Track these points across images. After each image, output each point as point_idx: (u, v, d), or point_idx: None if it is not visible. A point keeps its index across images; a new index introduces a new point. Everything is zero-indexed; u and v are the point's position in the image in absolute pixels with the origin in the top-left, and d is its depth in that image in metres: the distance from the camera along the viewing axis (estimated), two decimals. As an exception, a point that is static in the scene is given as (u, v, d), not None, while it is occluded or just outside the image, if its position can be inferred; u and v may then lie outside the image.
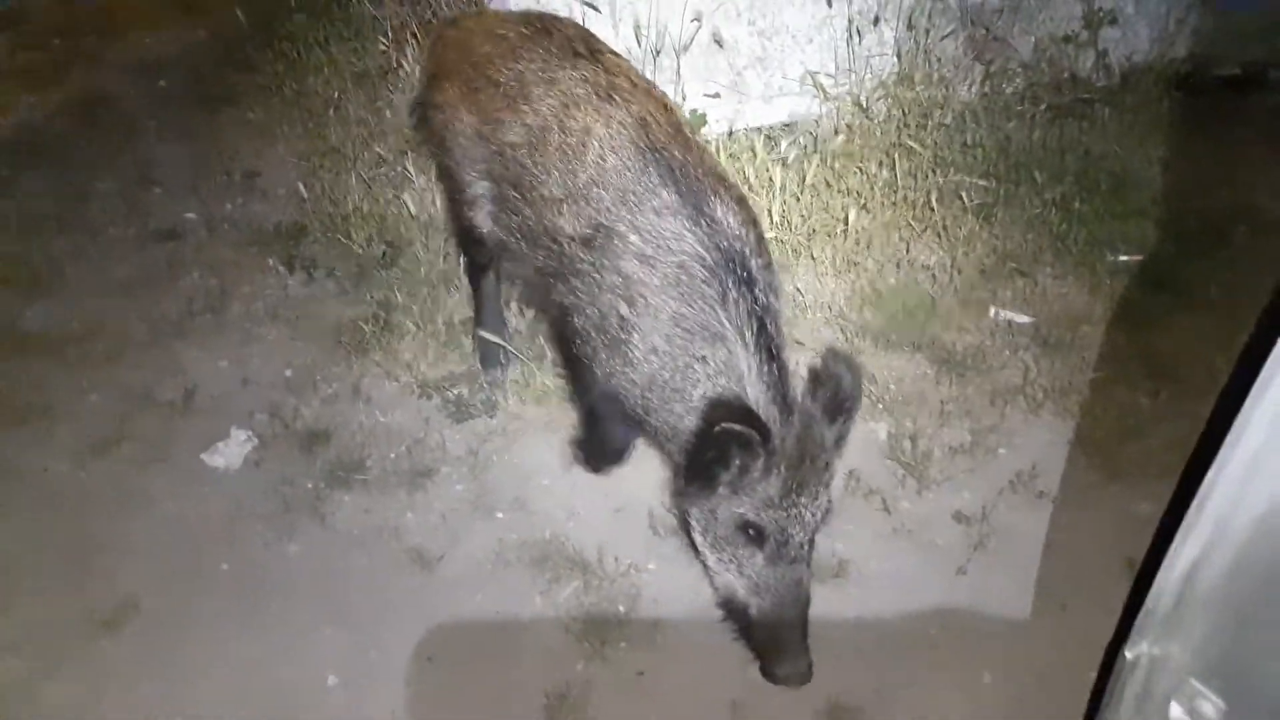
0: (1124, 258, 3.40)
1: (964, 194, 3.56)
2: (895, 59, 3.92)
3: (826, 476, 2.10)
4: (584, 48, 2.53)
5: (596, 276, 2.30)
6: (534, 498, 2.67)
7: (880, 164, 3.66)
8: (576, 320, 2.39)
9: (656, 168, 2.26)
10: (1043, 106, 3.94)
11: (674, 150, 2.29)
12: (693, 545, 2.24)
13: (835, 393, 2.10)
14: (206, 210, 3.68)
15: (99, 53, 4.59)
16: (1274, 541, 1.11)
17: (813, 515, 2.08)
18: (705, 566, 2.22)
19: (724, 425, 1.98)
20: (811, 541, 2.12)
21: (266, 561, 2.50)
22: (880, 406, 2.88)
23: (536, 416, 2.89)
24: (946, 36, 3.92)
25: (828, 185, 3.59)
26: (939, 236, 3.44)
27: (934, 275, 3.31)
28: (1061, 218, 3.52)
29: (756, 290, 2.16)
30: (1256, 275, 3.23)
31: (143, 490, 2.68)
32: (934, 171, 3.64)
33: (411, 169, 3.52)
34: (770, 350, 2.14)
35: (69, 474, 2.73)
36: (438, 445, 2.80)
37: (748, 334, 2.13)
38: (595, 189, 2.31)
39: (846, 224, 3.38)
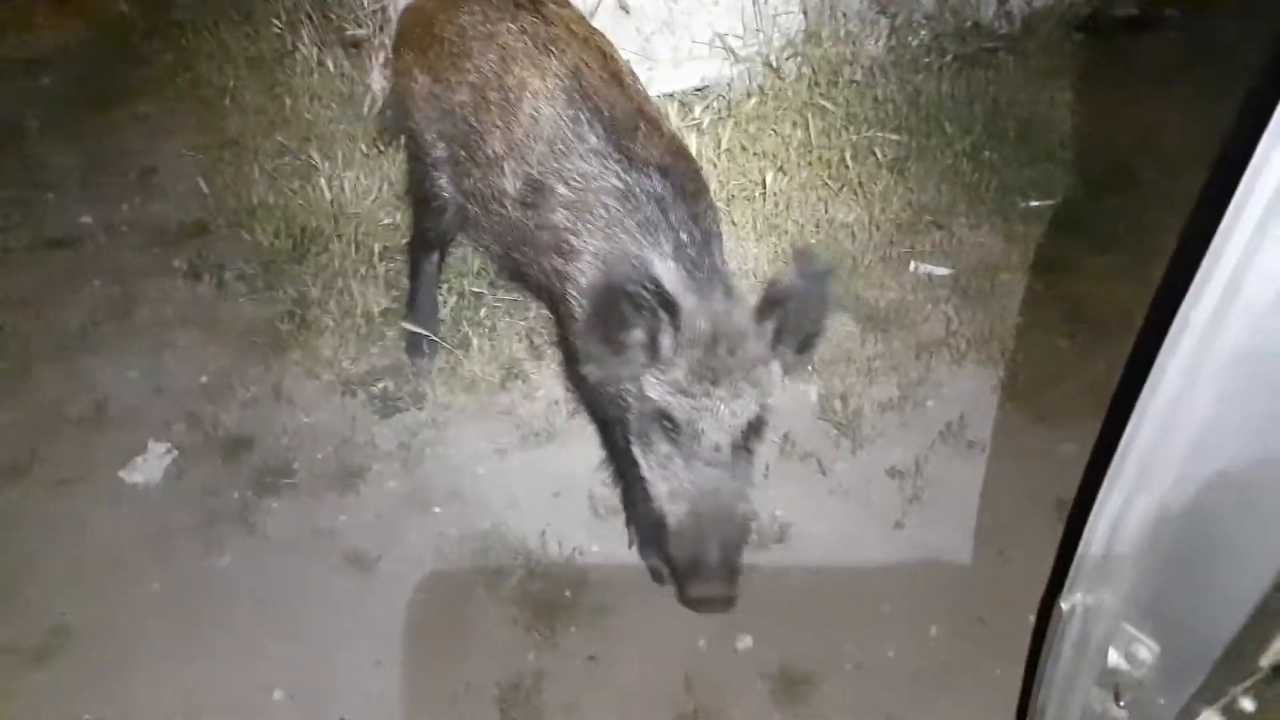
0: (1036, 203, 3.47)
1: (877, 150, 3.58)
2: (802, 16, 3.90)
3: (751, 375, 1.97)
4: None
5: (535, 235, 2.29)
6: (470, 488, 2.63)
7: (794, 124, 3.66)
8: (546, 293, 2.37)
9: (585, 114, 2.25)
10: (949, 57, 3.98)
11: (604, 95, 2.29)
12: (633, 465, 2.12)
13: (770, 289, 2.02)
14: (103, 213, 3.51)
15: (-29, 53, 4.34)
16: (1194, 487, 1.14)
17: (731, 414, 1.95)
18: (645, 482, 2.08)
19: (621, 281, 1.94)
20: (738, 450, 1.99)
21: (198, 577, 2.42)
22: (810, 369, 2.89)
23: (466, 405, 2.84)
24: (852, -8, 3.92)
25: (743, 149, 3.58)
26: (856, 194, 3.46)
27: (853, 233, 3.33)
28: (973, 167, 3.57)
29: (679, 214, 2.14)
30: (1165, 213, 3.32)
31: (61, 513, 2.56)
32: (847, 129, 3.65)
33: (316, 156, 3.41)
34: (692, 256, 2.10)
35: (-21, 502, 2.61)
36: (367, 442, 2.74)
37: (667, 246, 2.10)
38: (530, 143, 2.29)
39: (764, 187, 3.38)
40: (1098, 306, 3.09)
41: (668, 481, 2.02)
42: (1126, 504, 1.24)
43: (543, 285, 2.38)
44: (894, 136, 3.65)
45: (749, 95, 3.76)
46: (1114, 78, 4.10)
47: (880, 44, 4.03)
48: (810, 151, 3.55)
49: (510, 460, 2.71)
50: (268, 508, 2.57)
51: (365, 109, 3.59)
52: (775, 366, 2.05)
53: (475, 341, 2.95)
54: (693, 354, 1.96)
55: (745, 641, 2.28)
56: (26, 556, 2.47)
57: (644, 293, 1.92)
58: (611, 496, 2.56)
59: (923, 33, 4.10)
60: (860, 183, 3.47)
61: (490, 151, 2.38)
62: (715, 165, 3.45)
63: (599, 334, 2.02)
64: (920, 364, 2.90)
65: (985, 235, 3.35)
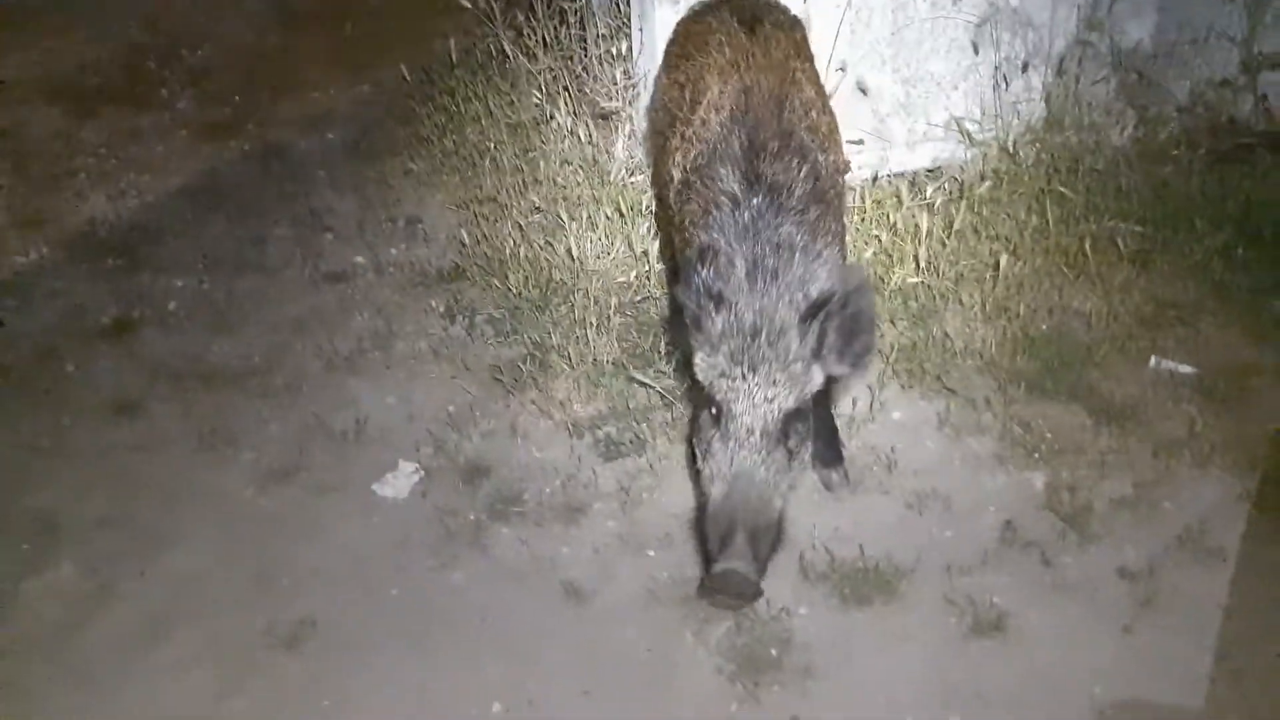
0: (1292, 306, 3.27)
1: (1119, 240, 3.49)
2: (1044, 104, 3.88)
3: (789, 370, 2.12)
4: (747, 16, 2.81)
5: (682, 222, 2.52)
6: (683, 536, 2.73)
7: (1029, 210, 3.63)
8: None
9: (738, 129, 2.45)
10: (1200, 151, 3.83)
11: (759, 113, 2.48)
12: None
13: (815, 296, 2.17)
14: (373, 254, 3.91)
15: (273, 108, 4.94)
16: None
17: (765, 401, 2.10)
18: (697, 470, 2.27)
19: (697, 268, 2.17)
20: (774, 440, 2.12)
21: (432, 589, 2.63)
22: (1036, 456, 2.84)
23: (682, 456, 2.96)
24: (1098, 82, 3.87)
25: (975, 231, 3.57)
26: (1093, 283, 3.38)
27: (1089, 322, 3.25)
28: (1223, 266, 3.41)
29: (769, 224, 2.28)
30: None
31: (319, 516, 2.85)
32: (1086, 218, 3.58)
33: (564, 215, 3.67)
34: (766, 262, 2.21)
35: (251, 499, 2.93)
36: (590, 482, 2.90)
37: (745, 248, 2.24)
38: (695, 143, 2.55)
39: (997, 269, 3.36)
40: (1362, 422, 2.86)
41: (707, 465, 2.17)
42: None
43: None
44: (1137, 228, 3.54)
45: (983, 178, 3.76)
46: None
47: (1126, 134, 3.94)
48: (1046, 238, 3.50)
49: (723, 514, 2.78)
50: (498, 532, 2.76)
51: (611, 175, 3.84)
52: (816, 370, 2.18)
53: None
54: (734, 341, 2.12)
55: (954, 723, 2.24)
56: (286, 551, 2.76)
57: (700, 280, 2.15)
58: (822, 560, 2.59)
59: (1172, 125, 3.98)
60: (1099, 272, 3.39)
61: (675, 142, 2.65)
62: (945, 245, 3.47)
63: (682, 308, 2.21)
64: (1158, 463, 2.78)
65: (1234, 336, 3.19)
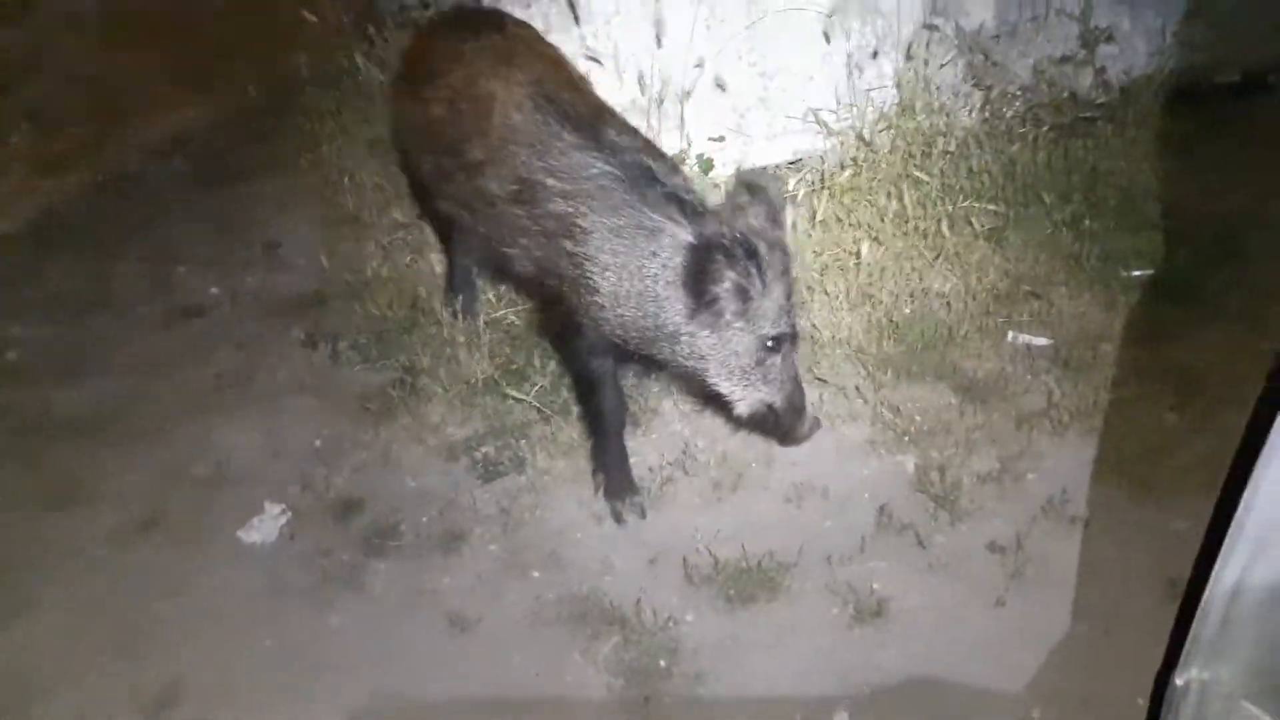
0: (1138, 272, 3.40)
1: (974, 220, 3.58)
2: (895, 90, 3.96)
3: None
4: (493, 22, 2.96)
5: (535, 226, 2.60)
6: (568, 553, 2.69)
7: (889, 195, 3.69)
8: (544, 281, 2.69)
9: (553, 115, 2.59)
10: (1045, 128, 3.95)
11: (564, 97, 2.66)
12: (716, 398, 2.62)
13: (766, 205, 2.49)
14: (230, 284, 3.75)
15: (117, 136, 4.70)
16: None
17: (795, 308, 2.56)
18: (730, 402, 2.59)
19: (713, 236, 2.39)
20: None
21: (308, 636, 2.52)
22: (906, 439, 2.89)
23: (565, 470, 2.92)
24: (945, 65, 3.96)
25: (838, 220, 3.62)
26: (952, 264, 3.46)
27: (949, 303, 3.32)
28: (1073, 237, 3.53)
29: (664, 179, 2.52)
30: (1273, 283, 3.24)
31: (181, 569, 2.71)
32: (942, 199, 3.66)
33: (429, 231, 3.58)
34: (696, 211, 2.48)
35: (109, 556, 2.78)
36: (469, 506, 2.83)
37: (675, 213, 2.46)
38: (508, 147, 2.62)
39: (859, 257, 3.41)
40: (1204, 378, 3.00)
41: (771, 382, 2.55)
42: (1244, 575, 1.22)
43: (547, 270, 2.66)
44: (990, 207, 3.64)
45: (843, 168, 3.81)
46: (1217, 144, 4.01)
47: (974, 115, 4.04)
48: (906, 222, 3.57)
49: (606, 526, 2.76)
50: (375, 569, 2.67)
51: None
52: None
53: (574, 409, 3.03)
54: (778, 281, 2.45)
55: (841, 717, 2.25)
56: (148, 609, 2.62)
57: (736, 245, 2.37)
58: (706, 564, 2.59)
59: (1018, 103, 4.09)
60: (956, 253, 3.47)
61: (471, 159, 2.69)
62: (810, 236, 3.51)
63: (701, 300, 2.43)
64: (1021, 436, 2.86)
65: (1086, 305, 3.31)
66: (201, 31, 5.42)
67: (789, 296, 2.49)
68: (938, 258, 3.47)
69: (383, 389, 3.20)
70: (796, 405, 2.61)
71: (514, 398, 3.09)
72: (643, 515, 2.77)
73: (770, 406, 2.58)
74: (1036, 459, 2.79)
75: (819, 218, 3.53)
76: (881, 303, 3.32)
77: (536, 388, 3.11)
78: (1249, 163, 3.90)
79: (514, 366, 3.22)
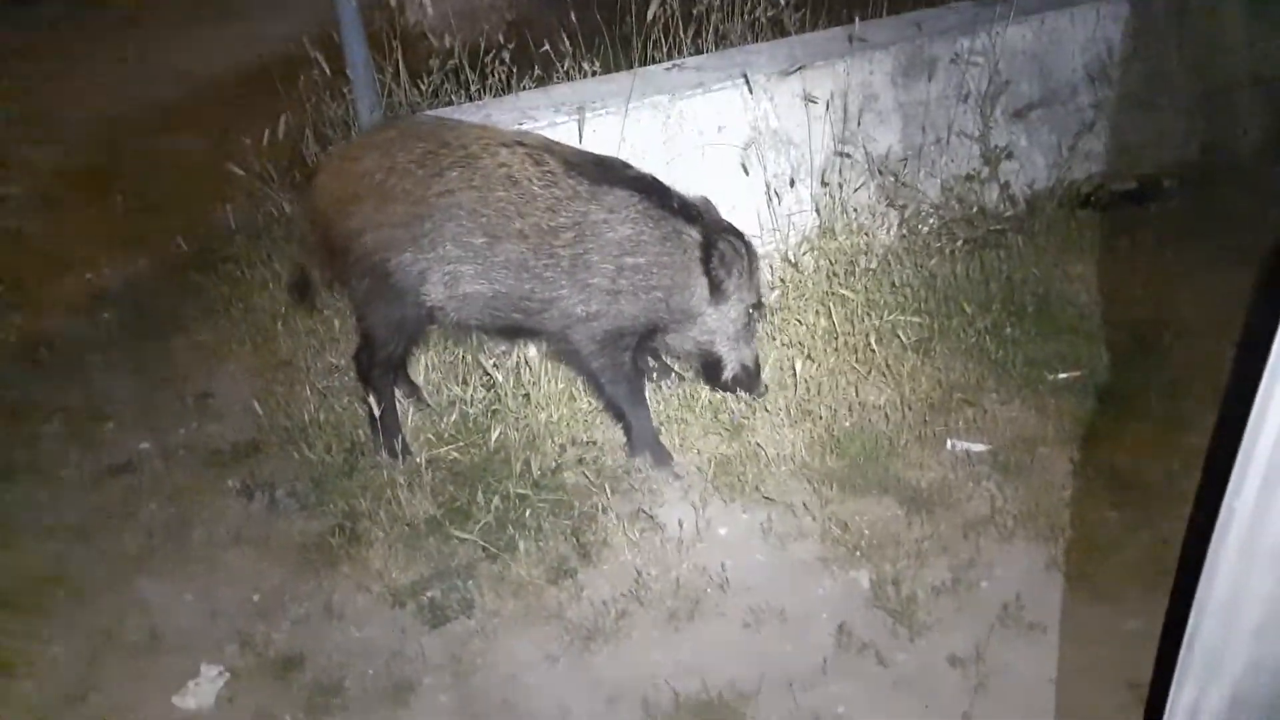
0: (1063, 375, 3.52)
1: (900, 332, 3.69)
2: (815, 214, 4.13)
3: None
4: (437, 135, 3.18)
5: (584, 258, 3.08)
6: (522, 700, 2.59)
7: (816, 313, 3.81)
8: (581, 313, 3.14)
9: (576, 173, 3.11)
10: (960, 241, 4.14)
11: (568, 153, 3.18)
12: (708, 368, 3.37)
13: (716, 213, 3.30)
14: (160, 438, 3.65)
15: (39, 295, 4.61)
16: (1267, 674, 1.13)
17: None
18: (721, 368, 3.32)
19: (724, 238, 3.14)
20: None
21: (250, 808, 2.37)
22: (858, 554, 2.89)
23: (515, 610, 2.84)
24: (859, 188, 4.15)
25: (770, 338, 3.71)
26: (885, 376, 3.55)
27: (886, 415, 3.39)
28: (997, 344, 3.65)
29: (668, 194, 3.18)
30: (1192, 379, 3.39)
31: (113, 746, 2.55)
32: (869, 315, 3.77)
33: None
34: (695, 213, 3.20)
35: (33, 736, 2.60)
36: (417, 655, 2.73)
37: (683, 222, 3.16)
38: (545, 213, 3.07)
39: (794, 374, 3.48)
40: (1140, 475, 3.08)
41: (750, 344, 3.32)
42: (1200, 695, 1.22)
43: (564, 312, 3.15)
44: (915, 319, 3.76)
45: (770, 288, 3.92)
46: (1122, 249, 4.24)
47: (891, 233, 4.23)
48: (836, 338, 3.67)
49: (560, 667, 2.67)
50: (320, 730, 2.54)
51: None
52: None
53: (522, 545, 2.98)
54: (756, 261, 3.28)
55: None
56: (78, 794, 2.44)
57: (735, 235, 3.19)
58: (667, 699, 2.52)
59: (931, 220, 4.30)
60: (888, 365, 3.56)
61: (510, 229, 3.05)
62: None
63: (717, 288, 3.18)
64: (969, 544, 2.88)
65: (1017, 410, 3.40)
66: (127, 187, 5.44)
67: (759, 274, 3.29)
68: (870, 371, 3.55)
69: (323, 536, 3.11)
70: (758, 362, 3.38)
71: (459, 537, 3.03)
72: (677, 476, 3.25)
73: (745, 365, 3.29)
74: (988, 567, 2.80)
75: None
76: (821, 418, 3.37)
77: (480, 525, 3.05)
78: (1152, 265, 4.12)
79: (457, 504, 3.17)
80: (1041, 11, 4.44)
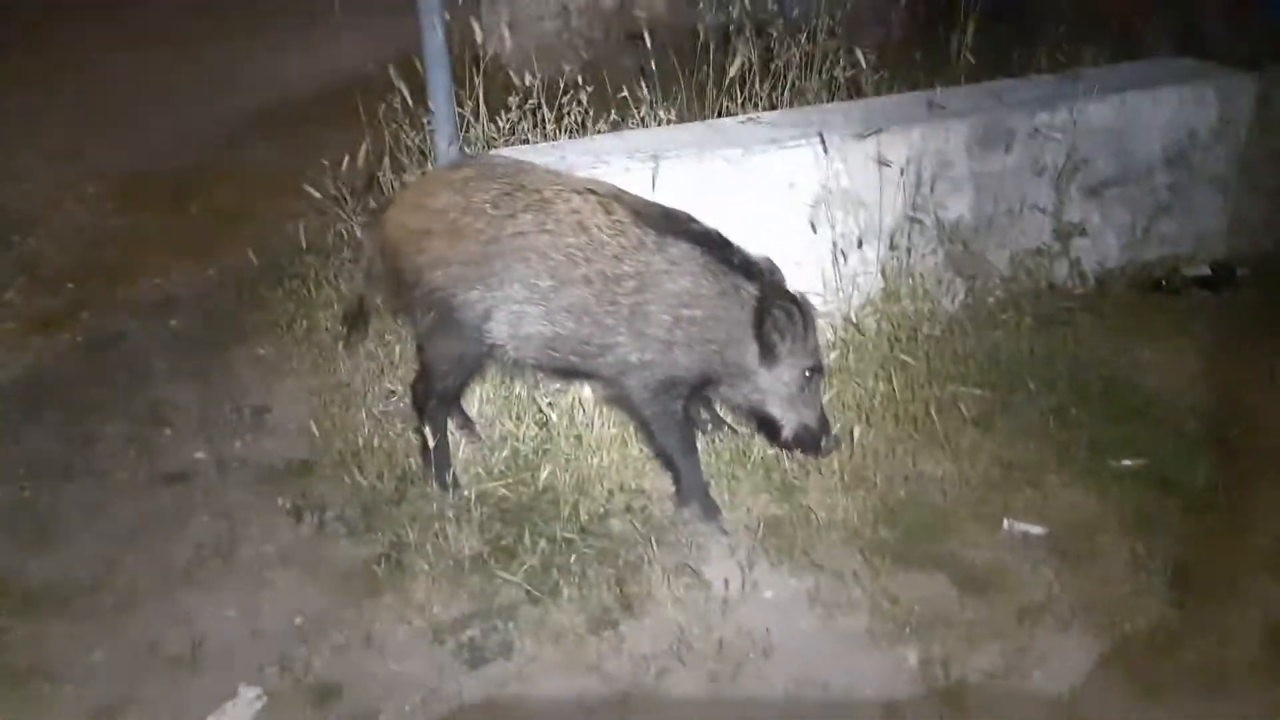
0: (1128, 462, 3.44)
1: (961, 405, 3.64)
2: (880, 277, 4.10)
3: None
4: (512, 177, 3.22)
5: (647, 306, 3.11)
6: (558, 749, 2.57)
7: (875, 377, 3.77)
8: (635, 361, 3.16)
9: (643, 224, 3.14)
10: (1026, 316, 4.09)
11: (639, 204, 3.21)
12: (764, 426, 3.39)
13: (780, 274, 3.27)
14: (216, 450, 3.69)
15: (111, 296, 4.72)
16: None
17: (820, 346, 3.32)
18: (779, 428, 3.26)
19: (776, 303, 3.10)
20: None
21: (278, 837, 2.36)
22: (906, 630, 2.83)
23: (554, 658, 2.81)
24: (927, 255, 4.12)
25: (827, 400, 3.67)
26: (942, 448, 3.49)
27: (944, 489, 3.33)
28: (1060, 425, 3.59)
29: (732, 250, 3.19)
30: (1259, 475, 3.29)
31: (147, 761, 2.55)
32: (929, 384, 3.73)
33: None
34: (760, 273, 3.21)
35: (68, 744, 2.61)
36: (454, 694, 2.71)
37: (753, 272, 3.18)
38: (618, 258, 3.10)
39: (852, 439, 3.44)
40: (1200, 572, 2.99)
41: (809, 406, 3.24)
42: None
43: (620, 359, 3.17)
44: (977, 391, 3.71)
45: (831, 348, 3.90)
46: (1192, 336, 4.16)
47: (957, 302, 4.19)
48: (895, 405, 3.63)
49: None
50: (353, 763, 2.53)
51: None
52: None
53: (565, 590, 2.96)
54: (813, 325, 3.22)
55: None
56: (109, 805, 2.45)
57: (792, 300, 3.15)
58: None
59: (998, 292, 4.25)
60: (947, 437, 3.51)
61: (578, 274, 3.09)
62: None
63: (768, 350, 3.15)
64: (1023, 630, 2.81)
65: (1078, 494, 3.32)
66: (202, 197, 5.57)
67: (817, 338, 3.24)
68: (929, 442, 3.50)
69: (368, 564, 3.11)
70: (824, 423, 3.26)
71: (503, 577, 3.02)
72: (725, 531, 3.23)
73: (806, 426, 3.22)
74: (1041, 656, 2.73)
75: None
76: (876, 486, 3.32)
77: (525, 567, 3.04)
78: (1221, 354, 4.03)
79: (503, 543, 3.16)
80: (1123, 90, 4.40)
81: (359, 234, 4.19)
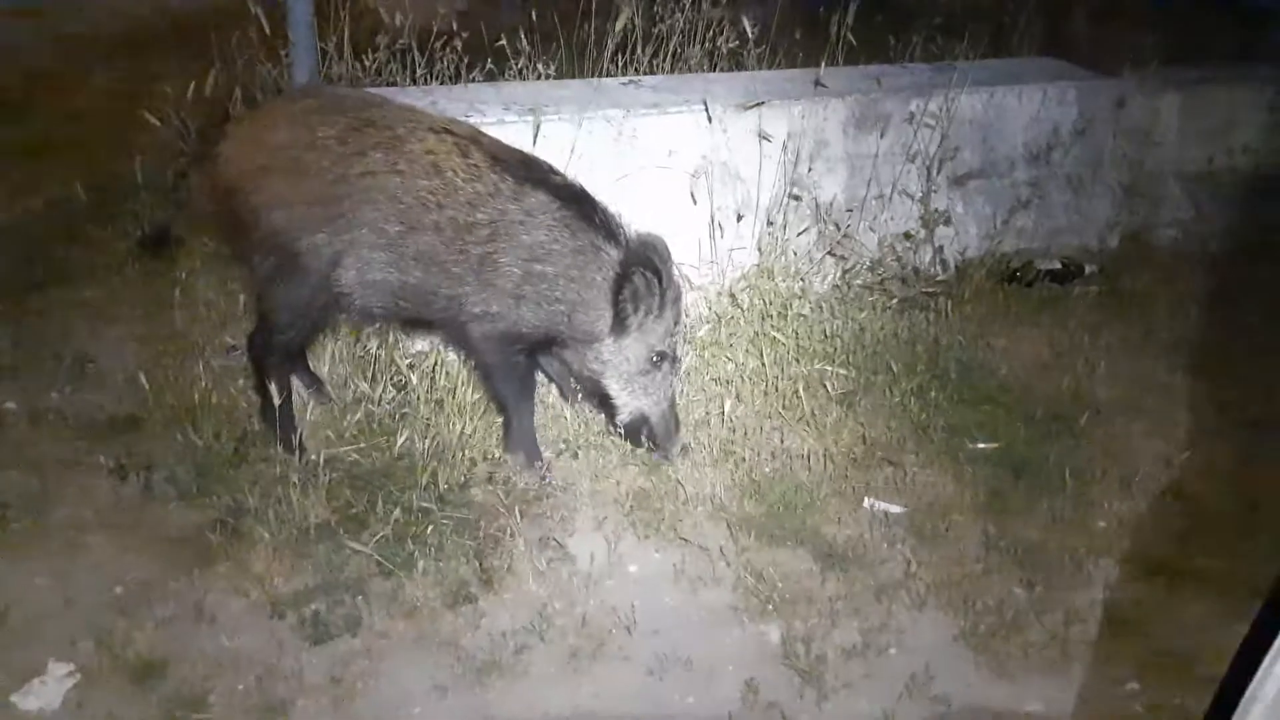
0: (982, 445, 3.53)
1: (827, 383, 3.65)
2: (757, 252, 4.07)
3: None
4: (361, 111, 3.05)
5: (497, 257, 2.97)
6: (405, 730, 2.41)
7: (747, 352, 3.74)
8: (479, 312, 3.03)
9: (499, 169, 2.99)
10: (892, 299, 4.15)
11: (500, 150, 3.07)
12: (603, 405, 3.25)
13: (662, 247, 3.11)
14: (29, 399, 3.33)
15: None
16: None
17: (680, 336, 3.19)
18: (613, 408, 3.18)
19: (639, 270, 2.98)
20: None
21: (86, 829, 2.12)
22: (770, 607, 2.80)
23: (406, 632, 2.65)
24: (802, 233, 4.12)
25: (698, 372, 3.63)
26: (809, 425, 3.50)
27: (809, 465, 3.34)
28: (920, 406, 3.65)
29: (595, 209, 3.07)
30: (1103, 461, 3.44)
31: (-66, 745, 2.26)
32: (798, 360, 3.73)
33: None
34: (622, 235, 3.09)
35: None
36: (293, 672, 2.51)
37: (615, 234, 3.07)
38: (471, 206, 2.95)
39: (723, 414, 3.39)
40: (1047, 554, 3.09)
41: (651, 395, 3.14)
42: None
43: (465, 309, 3.04)
44: (842, 371, 3.73)
45: (704, 321, 3.85)
46: (1042, 326, 4.32)
47: (827, 282, 4.21)
48: (764, 381, 3.61)
49: (449, 699, 2.49)
50: (176, 747, 2.30)
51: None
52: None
53: (420, 563, 2.80)
54: (672, 306, 3.12)
55: None
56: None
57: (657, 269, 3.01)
58: (561, 744, 2.37)
59: (866, 274, 4.30)
60: (813, 414, 3.52)
61: (431, 220, 2.93)
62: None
63: (618, 319, 3.04)
64: (881, 607, 2.83)
65: (935, 475, 3.38)
66: (27, 127, 5.01)
67: (676, 324, 3.10)
68: (797, 419, 3.50)
69: (201, 530, 2.86)
70: (669, 421, 3.17)
71: (352, 548, 2.82)
72: (547, 479, 3.14)
73: (644, 416, 3.13)
74: (898, 633, 2.75)
75: (683, 369, 3.50)
76: (744, 460, 3.29)
77: (378, 537, 2.86)
78: (1071, 344, 4.20)
79: (353, 511, 2.97)
80: (992, 85, 4.51)
81: (188, 168, 3.85)
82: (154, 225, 3.31)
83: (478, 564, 2.84)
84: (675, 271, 3.14)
